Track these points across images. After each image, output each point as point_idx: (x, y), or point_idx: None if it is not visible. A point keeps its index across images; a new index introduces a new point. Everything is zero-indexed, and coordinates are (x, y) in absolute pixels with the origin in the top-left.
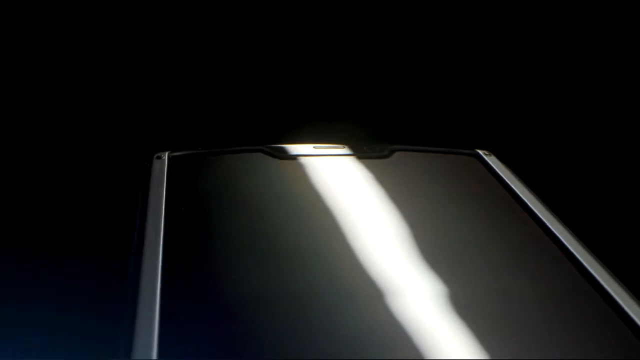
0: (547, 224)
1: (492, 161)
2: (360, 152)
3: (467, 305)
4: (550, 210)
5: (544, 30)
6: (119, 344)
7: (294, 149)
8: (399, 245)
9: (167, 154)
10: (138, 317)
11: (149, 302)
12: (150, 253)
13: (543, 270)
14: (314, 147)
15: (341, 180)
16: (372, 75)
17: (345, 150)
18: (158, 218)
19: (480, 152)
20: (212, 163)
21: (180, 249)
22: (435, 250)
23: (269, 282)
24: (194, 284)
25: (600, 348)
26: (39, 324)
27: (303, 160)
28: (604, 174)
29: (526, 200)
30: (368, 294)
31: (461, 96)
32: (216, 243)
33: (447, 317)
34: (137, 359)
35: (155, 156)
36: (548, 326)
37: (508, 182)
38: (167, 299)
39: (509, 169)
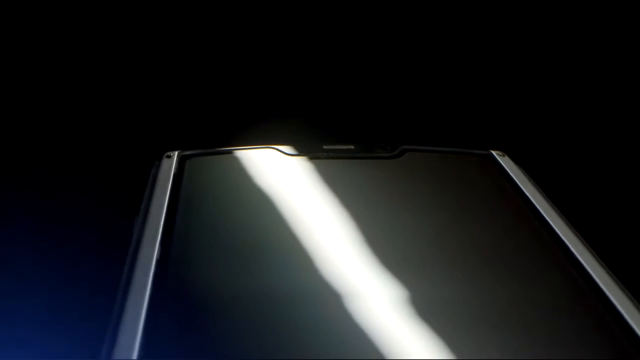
0: (555, 229)
1: (505, 162)
2: (371, 152)
3: (460, 309)
4: (560, 215)
5: (561, 30)
6: (103, 343)
7: (303, 148)
8: (403, 247)
9: (177, 152)
10: (124, 317)
11: (137, 303)
12: (145, 252)
13: (545, 276)
14: (323, 147)
15: (351, 181)
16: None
17: (355, 149)
18: (158, 217)
19: (494, 152)
20: (221, 162)
21: (177, 249)
22: (438, 253)
23: (264, 286)
24: (186, 286)
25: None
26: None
27: (312, 160)
28: (620, 178)
29: (536, 204)
30: (371, 296)
31: (474, 95)
32: (215, 244)
33: (439, 320)
34: (117, 359)
35: (165, 155)
36: (539, 333)
37: (519, 184)
38: (156, 300)
39: (522, 171)
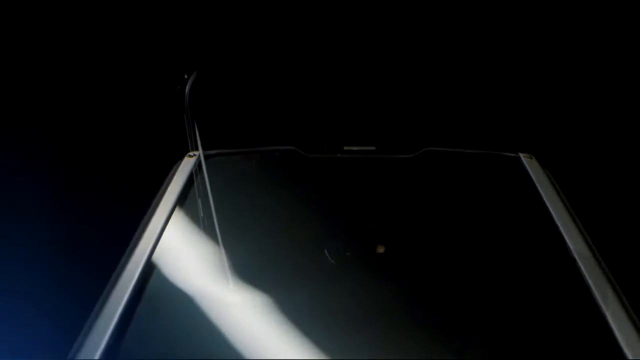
0: (565, 237)
1: (531, 165)
2: (393, 153)
3: (447, 311)
4: (576, 223)
5: (595, 32)
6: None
7: (324, 149)
8: (410, 250)
9: (199, 152)
10: (99, 316)
11: (114, 305)
12: (139, 251)
13: (543, 282)
14: (345, 148)
15: (372, 181)
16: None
17: (377, 150)
18: (160, 217)
19: (522, 155)
20: (241, 162)
21: (174, 249)
22: (442, 255)
23: (251, 292)
24: (171, 289)
25: None
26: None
27: (333, 161)
28: None
29: (552, 211)
30: (370, 296)
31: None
32: (214, 246)
33: (434, 320)
34: (80, 359)
35: (187, 154)
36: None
37: (540, 189)
38: (136, 302)
39: (548, 175)
